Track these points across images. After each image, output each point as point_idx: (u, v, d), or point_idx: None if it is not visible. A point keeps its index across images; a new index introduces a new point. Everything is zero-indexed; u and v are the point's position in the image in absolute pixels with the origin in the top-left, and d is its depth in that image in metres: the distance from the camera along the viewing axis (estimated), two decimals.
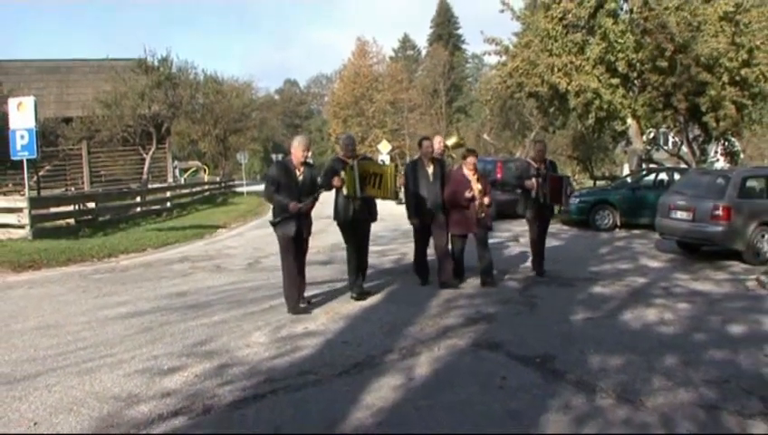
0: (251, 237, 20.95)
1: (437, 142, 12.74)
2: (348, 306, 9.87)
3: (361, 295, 10.47)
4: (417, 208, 11.40)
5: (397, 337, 8.03)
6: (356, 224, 10.63)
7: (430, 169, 11.44)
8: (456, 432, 5.31)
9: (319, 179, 10.10)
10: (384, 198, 10.71)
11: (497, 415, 5.67)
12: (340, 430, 5.43)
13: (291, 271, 9.74)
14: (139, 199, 28.16)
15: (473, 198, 11.09)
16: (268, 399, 6.12)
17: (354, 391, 6.28)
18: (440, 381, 6.56)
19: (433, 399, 6.07)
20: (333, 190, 10.47)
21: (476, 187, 11.17)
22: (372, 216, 10.87)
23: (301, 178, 9.58)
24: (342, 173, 10.15)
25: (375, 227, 10.70)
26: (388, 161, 43.92)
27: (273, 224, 9.75)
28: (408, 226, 11.84)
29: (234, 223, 26.05)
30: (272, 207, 9.87)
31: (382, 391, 6.26)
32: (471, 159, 11.38)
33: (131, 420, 5.65)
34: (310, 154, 9.62)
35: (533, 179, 12.21)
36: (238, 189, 47.15)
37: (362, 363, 7.12)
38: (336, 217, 10.70)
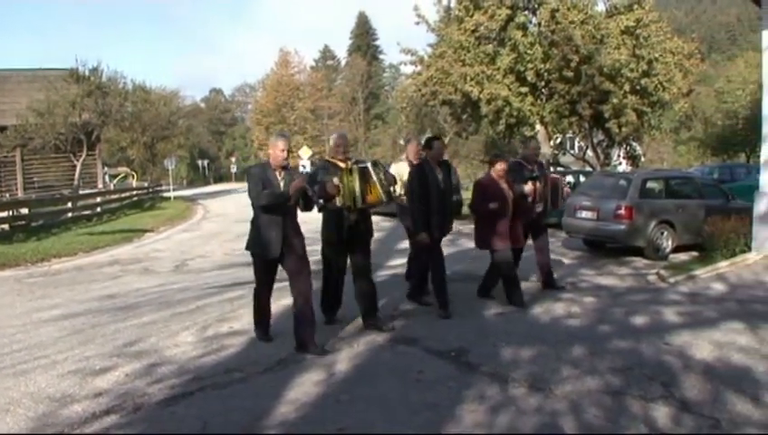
0: (178, 240, 21.04)
1: (415, 145, 10.96)
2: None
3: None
4: (425, 222, 9.31)
5: (318, 334, 8.04)
6: (353, 242, 8.77)
7: (439, 175, 9.46)
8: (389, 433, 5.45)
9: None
10: (375, 204, 8.82)
11: (415, 407, 5.85)
12: (266, 424, 5.58)
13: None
14: (70, 205, 27.80)
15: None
16: (196, 396, 6.24)
17: (278, 387, 6.42)
18: (360, 376, 6.74)
19: (353, 393, 6.25)
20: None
21: (509, 195, 9.88)
22: (370, 231, 8.96)
23: (282, 184, 7.66)
24: (336, 179, 8.20)
25: None
26: (308, 167, 43.96)
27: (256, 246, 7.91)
28: None
29: (161, 227, 25.86)
30: (249, 230, 7.92)
31: (305, 387, 6.41)
32: (501, 166, 9.97)
33: (66, 419, 5.72)
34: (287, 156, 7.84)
35: (530, 183, 10.51)
36: (165, 194, 46.53)
37: (286, 360, 7.27)
38: (325, 233, 8.90)
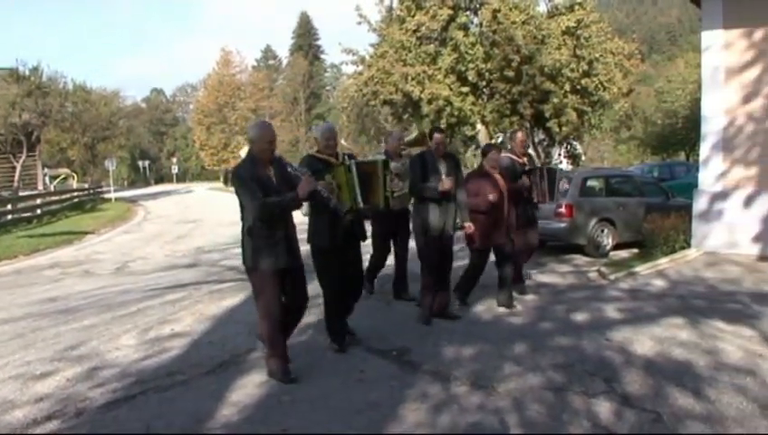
0: (119, 242, 20.83)
1: (396, 138, 10.53)
2: (212, 307, 9.86)
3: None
4: (428, 217, 8.65)
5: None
6: (345, 249, 7.53)
7: (443, 168, 8.70)
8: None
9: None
10: (374, 206, 7.70)
11: (357, 406, 5.80)
12: (209, 426, 5.50)
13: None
14: (10, 207, 27.31)
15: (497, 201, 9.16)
16: (138, 400, 6.12)
17: (220, 389, 6.34)
18: (302, 376, 6.63)
19: (295, 393, 6.18)
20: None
21: (503, 189, 9.32)
22: (363, 234, 7.85)
23: (274, 179, 6.53)
24: (328, 177, 7.06)
25: (237, 230, 10.39)
26: None
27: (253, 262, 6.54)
28: None
29: (102, 228, 25.60)
30: (242, 242, 6.65)
31: (247, 389, 6.34)
32: (494, 155, 9.49)
33: (7, 425, 5.59)
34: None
35: (524, 178, 10.06)
36: (106, 196, 46.12)
37: (228, 362, 7.18)
38: (315, 239, 7.50)
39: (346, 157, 7.57)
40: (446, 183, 8.50)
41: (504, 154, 10.30)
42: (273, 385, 6.44)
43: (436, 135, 9.00)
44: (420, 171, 8.70)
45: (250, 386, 6.44)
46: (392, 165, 8.43)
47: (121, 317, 9.49)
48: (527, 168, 10.33)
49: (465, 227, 8.93)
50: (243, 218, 6.54)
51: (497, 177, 9.37)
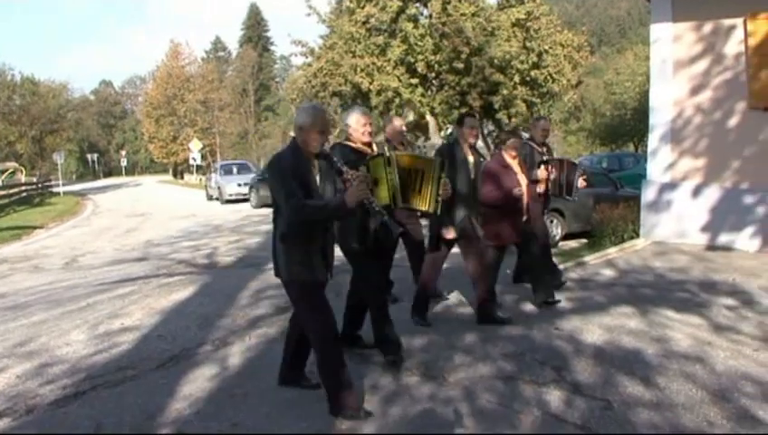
0: (68, 237, 20.61)
1: (398, 123, 9.43)
2: (162, 301, 9.71)
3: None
4: (452, 213, 7.66)
5: (210, 329, 8.01)
6: (379, 252, 6.82)
7: (471, 160, 7.84)
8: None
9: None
10: (424, 211, 7.05)
11: (308, 398, 5.75)
12: (160, 421, 5.41)
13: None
14: None
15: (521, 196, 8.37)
16: (89, 395, 6.02)
17: (171, 383, 6.25)
18: (253, 370, 6.61)
19: (246, 387, 6.12)
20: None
21: (523, 180, 8.48)
22: (391, 239, 6.50)
23: (317, 177, 5.66)
24: (364, 168, 6.00)
25: (187, 223, 10.26)
26: (199, 159, 43.74)
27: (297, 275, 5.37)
28: (221, 222, 11.22)
29: (51, 223, 25.39)
30: (273, 249, 5.50)
31: (198, 382, 6.26)
32: (515, 143, 8.52)
33: None
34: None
35: (542, 168, 9.15)
36: (55, 190, 45.69)
37: (178, 356, 7.08)
38: (347, 241, 6.62)
39: (385, 147, 7.08)
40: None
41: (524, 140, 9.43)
42: (225, 378, 6.38)
43: (468, 120, 7.96)
44: (449, 164, 7.35)
45: (201, 380, 6.36)
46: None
47: (71, 313, 9.31)
48: (545, 158, 9.38)
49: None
50: (275, 220, 5.44)
51: (518, 168, 8.51)
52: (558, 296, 8.90)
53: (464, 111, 27.07)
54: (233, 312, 8.97)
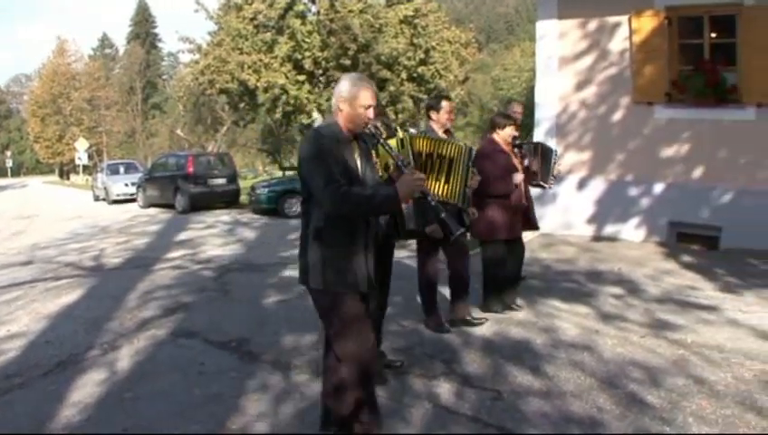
0: None
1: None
2: (49, 306, 9.38)
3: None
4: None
5: (98, 333, 7.80)
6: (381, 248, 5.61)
7: None
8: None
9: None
10: (450, 202, 6.43)
11: (199, 400, 5.68)
12: (50, 428, 5.25)
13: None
14: None
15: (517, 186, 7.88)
16: None
17: (60, 390, 6.05)
18: (142, 373, 6.47)
19: (136, 390, 5.99)
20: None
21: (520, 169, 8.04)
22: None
23: (359, 165, 4.52)
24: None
25: (74, 225, 9.80)
26: (85, 159, 42.70)
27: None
28: (109, 223, 10.83)
29: None
30: (301, 250, 4.51)
31: (87, 388, 6.08)
32: (510, 130, 7.99)
33: None
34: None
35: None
36: None
37: (66, 362, 6.86)
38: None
39: (397, 128, 6.40)
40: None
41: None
42: (115, 383, 6.22)
43: (445, 103, 7.50)
44: None
45: (90, 385, 6.17)
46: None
47: None
48: (518, 142, 8.48)
49: (470, 214, 7.32)
50: (307, 214, 4.45)
51: (512, 154, 8.05)
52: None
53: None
54: (121, 314, 8.76)
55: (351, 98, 4.38)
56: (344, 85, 4.44)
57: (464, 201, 6.50)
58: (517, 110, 9.64)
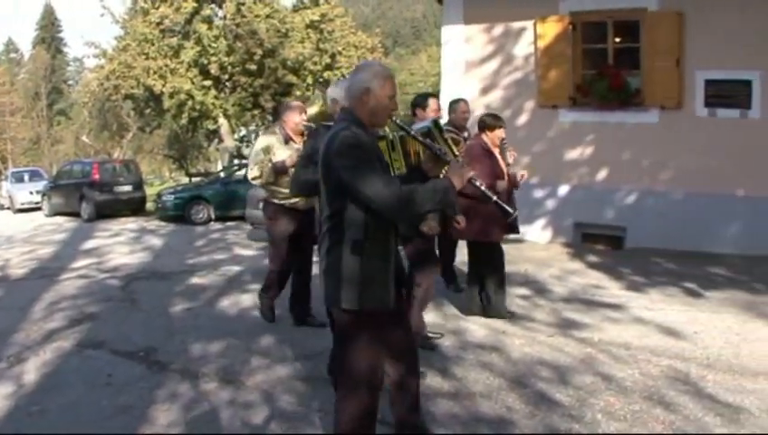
0: None
1: (299, 116, 7.95)
2: None
3: None
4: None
5: (3, 345, 7.58)
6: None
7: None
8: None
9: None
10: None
11: (108, 412, 5.58)
12: None
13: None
14: None
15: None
16: None
17: None
18: (49, 385, 6.33)
19: (44, 403, 5.86)
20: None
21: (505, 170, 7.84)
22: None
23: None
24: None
25: None
26: None
27: None
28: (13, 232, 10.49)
29: None
30: (329, 265, 3.94)
31: None
32: (500, 133, 7.85)
33: None
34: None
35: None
36: None
37: None
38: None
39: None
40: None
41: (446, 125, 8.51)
42: (21, 396, 6.06)
43: (432, 100, 7.42)
44: None
45: None
46: (296, 147, 7.55)
47: None
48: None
49: (457, 222, 7.10)
50: (336, 228, 3.91)
51: (500, 156, 7.87)
52: None
53: (256, 112, 27.60)
54: (27, 326, 8.53)
55: (377, 86, 3.95)
56: (364, 75, 4.00)
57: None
58: (464, 109, 9.30)
